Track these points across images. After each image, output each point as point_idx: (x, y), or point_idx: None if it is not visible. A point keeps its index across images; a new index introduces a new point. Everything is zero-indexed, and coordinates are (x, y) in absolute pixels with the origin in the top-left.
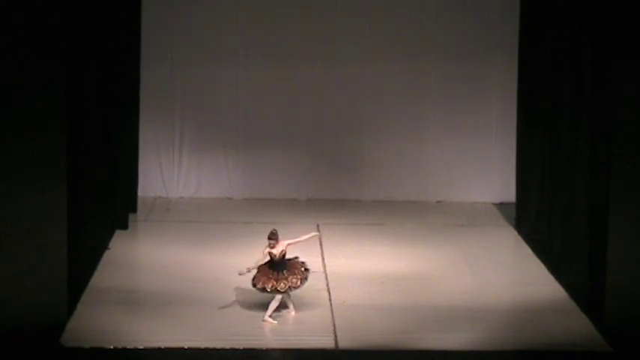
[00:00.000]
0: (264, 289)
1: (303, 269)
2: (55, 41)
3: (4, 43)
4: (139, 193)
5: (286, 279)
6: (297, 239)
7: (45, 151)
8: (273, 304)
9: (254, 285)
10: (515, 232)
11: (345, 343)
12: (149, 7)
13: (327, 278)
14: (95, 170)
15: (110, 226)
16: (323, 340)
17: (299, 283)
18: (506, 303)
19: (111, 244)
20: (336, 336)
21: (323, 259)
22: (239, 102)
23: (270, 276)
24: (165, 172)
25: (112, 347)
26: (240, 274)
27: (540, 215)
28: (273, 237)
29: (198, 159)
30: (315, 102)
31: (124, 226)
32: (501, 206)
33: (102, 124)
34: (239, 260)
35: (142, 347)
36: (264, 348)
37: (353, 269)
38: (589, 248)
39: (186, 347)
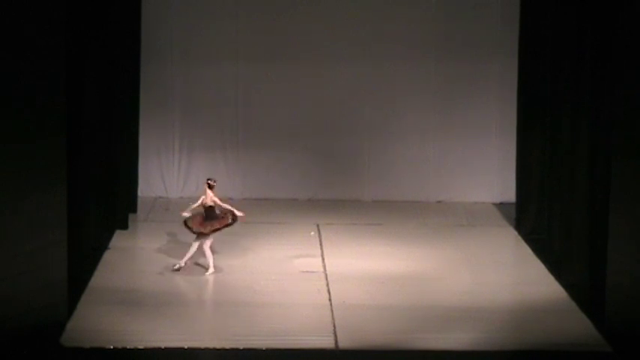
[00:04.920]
0: (190, 228)
1: (230, 218)
2: (56, 42)
3: (5, 44)
4: (139, 194)
5: (211, 224)
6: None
7: (45, 151)
8: (191, 251)
9: (185, 224)
10: (515, 232)
11: (345, 343)
12: (149, 8)
13: (327, 278)
14: (95, 170)
15: (110, 226)
16: (323, 340)
17: (218, 225)
18: (506, 303)
19: (111, 244)
20: (336, 336)
21: (323, 259)
22: (239, 102)
23: (201, 222)
24: (165, 173)
25: (112, 347)
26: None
27: (540, 215)
28: (212, 180)
29: (198, 159)
30: (316, 102)
31: (124, 226)
32: (501, 206)
33: (102, 125)
34: (239, 260)
35: (142, 347)
36: (264, 348)
37: (353, 269)
38: (589, 248)
39: (186, 347)
